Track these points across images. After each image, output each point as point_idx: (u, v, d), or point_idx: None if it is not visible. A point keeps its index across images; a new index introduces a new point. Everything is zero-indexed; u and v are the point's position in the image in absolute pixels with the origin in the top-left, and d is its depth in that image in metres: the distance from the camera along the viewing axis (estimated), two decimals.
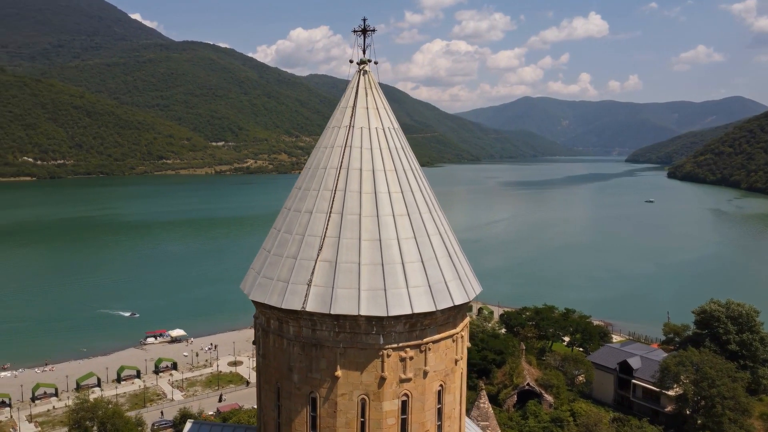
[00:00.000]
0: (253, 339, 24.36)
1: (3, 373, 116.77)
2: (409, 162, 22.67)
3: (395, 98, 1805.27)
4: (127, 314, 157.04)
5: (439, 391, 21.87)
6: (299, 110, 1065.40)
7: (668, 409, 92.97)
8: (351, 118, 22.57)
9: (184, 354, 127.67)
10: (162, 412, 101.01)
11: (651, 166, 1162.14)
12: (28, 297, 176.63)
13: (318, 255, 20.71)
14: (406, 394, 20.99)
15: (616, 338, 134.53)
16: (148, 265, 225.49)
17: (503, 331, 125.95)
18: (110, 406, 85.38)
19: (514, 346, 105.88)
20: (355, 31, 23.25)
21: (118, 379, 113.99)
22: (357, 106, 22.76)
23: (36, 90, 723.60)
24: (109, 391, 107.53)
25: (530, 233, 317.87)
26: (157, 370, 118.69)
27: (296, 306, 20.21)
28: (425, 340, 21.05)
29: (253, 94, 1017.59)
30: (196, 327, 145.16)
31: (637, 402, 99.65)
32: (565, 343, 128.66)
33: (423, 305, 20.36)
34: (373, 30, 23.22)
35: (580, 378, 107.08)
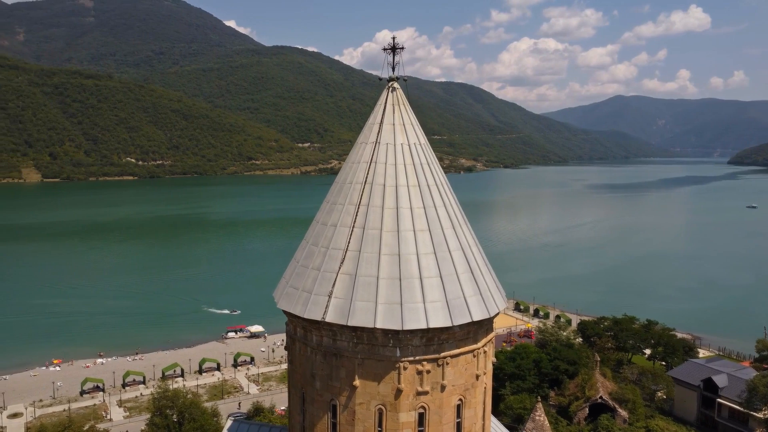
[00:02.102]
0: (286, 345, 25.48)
1: (98, 360, 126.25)
2: (434, 177, 22.98)
3: (480, 99, 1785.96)
4: (228, 311, 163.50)
5: (459, 405, 22.02)
6: None
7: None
8: (378, 134, 23.18)
9: (262, 349, 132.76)
10: (239, 404, 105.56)
11: (757, 169, 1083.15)
12: (124, 290, 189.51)
13: (339, 268, 21.46)
14: (423, 407, 21.34)
15: (703, 353, 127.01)
16: (233, 262, 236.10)
17: (579, 340, 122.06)
18: (189, 396, 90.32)
19: (588, 356, 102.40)
20: (384, 49, 23.86)
21: (200, 371, 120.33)
22: (384, 122, 23.34)
23: (139, 95, 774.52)
24: (190, 382, 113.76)
25: (616, 239, 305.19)
26: (235, 364, 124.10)
27: (317, 316, 21.07)
28: (442, 354, 21.30)
29: (339, 97, 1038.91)
30: (274, 324, 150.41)
31: (723, 423, 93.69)
32: (646, 356, 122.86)
33: (439, 320, 20.63)
34: (402, 48, 23.73)
35: (660, 394, 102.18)
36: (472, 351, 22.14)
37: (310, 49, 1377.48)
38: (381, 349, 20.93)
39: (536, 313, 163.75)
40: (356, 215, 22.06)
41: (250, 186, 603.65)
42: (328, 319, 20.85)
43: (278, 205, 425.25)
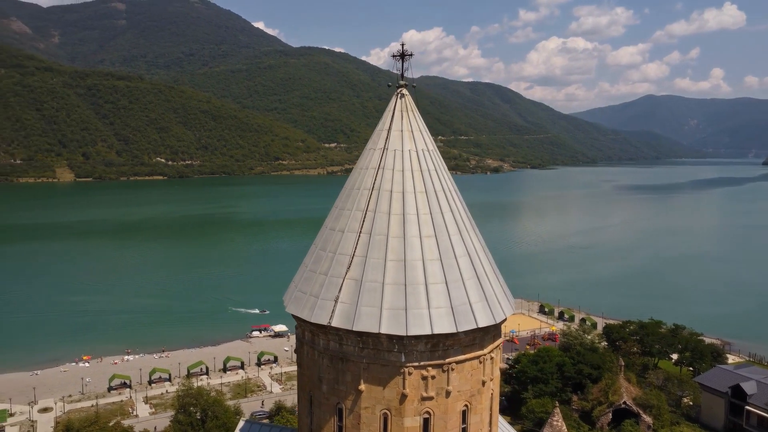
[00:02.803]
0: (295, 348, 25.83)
1: (126, 357, 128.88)
2: (441, 184, 23.07)
3: (507, 99, 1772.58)
4: (258, 311, 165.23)
5: (464, 411, 22.08)
6: None
7: None
8: (386, 140, 23.36)
9: (285, 348, 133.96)
10: (263, 403, 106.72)
11: None
12: (152, 288, 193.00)
13: (346, 273, 21.70)
14: (428, 412, 21.45)
15: (732, 359, 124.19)
16: (259, 262, 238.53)
17: (604, 344, 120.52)
18: (212, 394, 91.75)
19: (612, 361, 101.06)
20: (393, 56, 24.04)
21: (224, 369, 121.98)
22: (392, 128, 23.51)
23: (169, 96, 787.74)
24: (214, 380, 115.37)
25: (645, 241, 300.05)
26: (259, 363, 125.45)
27: (323, 321, 21.35)
28: (448, 360, 21.38)
29: (365, 97, 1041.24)
30: None
31: (751, 431, 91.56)
32: (672, 362, 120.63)
33: (444, 326, 20.73)
34: (411, 54, 23.88)
35: (686, 400, 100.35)
36: (478, 357, 22.17)
37: (336, 49, 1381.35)
38: (386, 354, 21.11)
39: (561, 316, 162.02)
40: (363, 221, 22.28)
41: (277, 186, 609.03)
42: (334, 323, 21.11)
43: (305, 205, 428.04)
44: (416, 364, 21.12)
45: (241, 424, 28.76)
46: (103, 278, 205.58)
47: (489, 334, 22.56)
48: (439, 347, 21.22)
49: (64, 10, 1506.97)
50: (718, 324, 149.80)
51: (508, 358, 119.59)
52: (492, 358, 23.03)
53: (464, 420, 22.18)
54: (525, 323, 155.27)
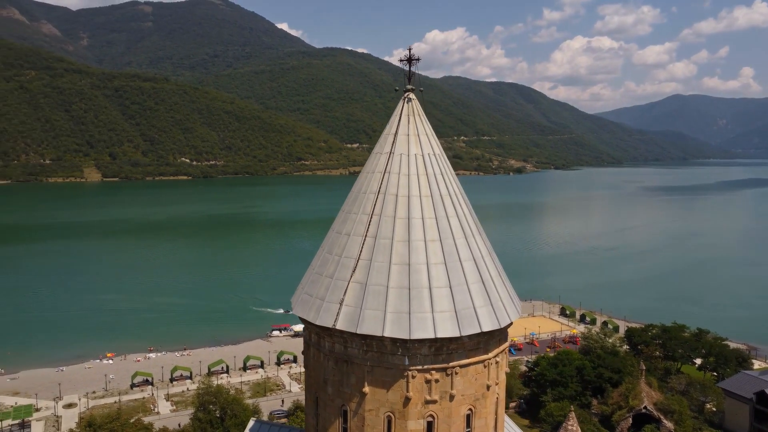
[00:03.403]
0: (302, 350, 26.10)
1: (149, 355, 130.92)
2: (447, 188, 23.12)
3: (531, 99, 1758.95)
4: (282, 311, 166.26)
5: (469, 415, 22.12)
6: (432, 112, 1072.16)
7: None
8: (392, 144, 23.50)
9: None
10: (282, 402, 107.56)
11: None
12: (175, 287, 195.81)
13: (351, 276, 21.89)
14: (431, 415, 21.53)
15: (758, 364, 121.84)
16: (281, 261, 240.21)
17: (625, 348, 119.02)
18: (231, 392, 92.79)
19: (633, 365, 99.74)
20: (401, 60, 24.18)
21: (244, 368, 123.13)
22: (398, 133, 23.64)
23: (194, 97, 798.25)
24: (234, 378, 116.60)
25: (670, 243, 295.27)
26: (278, 362, 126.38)
27: (328, 323, 21.56)
28: (451, 364, 21.43)
29: (387, 97, 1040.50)
30: None
31: None
32: (696, 367, 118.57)
33: (447, 330, 20.79)
34: (418, 59, 23.99)
35: (709, 406, 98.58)
36: (482, 361, 22.18)
37: (359, 50, 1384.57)
38: (390, 357, 21.25)
39: (582, 319, 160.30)
40: (369, 225, 22.44)
41: (300, 186, 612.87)
42: (339, 326, 21.31)
43: (327, 205, 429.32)
44: (420, 367, 21.21)
45: (251, 423, 29.13)
46: (128, 277, 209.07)
47: (494, 338, 22.56)
48: (442, 351, 21.29)
49: (92, 12, 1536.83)
50: (744, 328, 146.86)
51: (527, 361, 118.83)
52: (497, 362, 23.03)
53: (468, 424, 22.21)
54: (545, 326, 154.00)
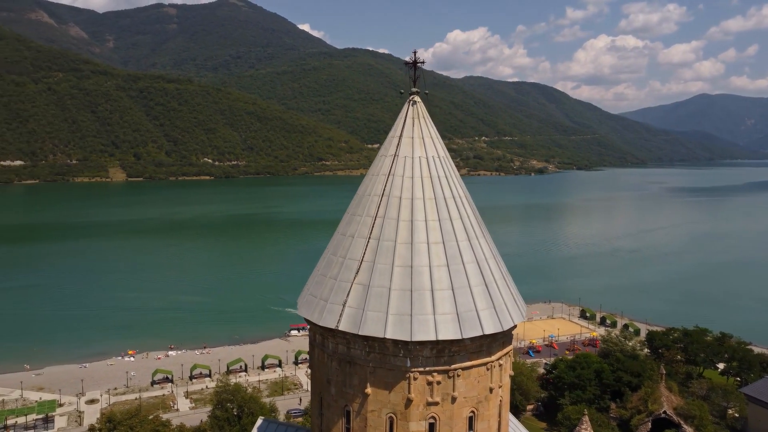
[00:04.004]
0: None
1: (169, 353, 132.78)
2: (452, 190, 23.17)
3: (553, 99, 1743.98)
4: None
5: (471, 418, 22.14)
6: (453, 112, 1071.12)
7: None
8: (396, 147, 23.62)
9: None
10: (300, 400, 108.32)
11: None
12: (195, 286, 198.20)
13: (354, 278, 22.05)
14: (433, 417, 21.60)
15: None
16: (301, 261, 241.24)
17: (646, 351, 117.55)
18: (249, 390, 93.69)
19: (653, 369, 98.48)
20: (406, 63, 24.32)
21: (262, 367, 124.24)
22: (403, 135, 23.76)
23: (216, 98, 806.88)
24: (253, 377, 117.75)
25: (694, 245, 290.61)
26: (296, 361, 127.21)
27: (331, 324, 21.76)
28: (453, 366, 21.47)
29: (408, 98, 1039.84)
30: None
31: None
32: (719, 371, 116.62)
33: (449, 332, 20.83)
34: (422, 62, 24.10)
35: (731, 412, 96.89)
36: (485, 364, 22.17)
37: (380, 50, 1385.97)
38: (392, 359, 21.36)
39: (603, 321, 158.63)
40: (372, 227, 22.59)
41: (320, 186, 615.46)
42: (342, 327, 21.49)
43: (346, 205, 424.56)
44: (421, 369, 21.29)
45: (259, 422, 29.46)
46: (150, 276, 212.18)
47: (497, 341, 22.54)
48: (444, 353, 21.34)
49: (118, 15, 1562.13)
50: None
51: (546, 363, 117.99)
52: (501, 365, 22.99)
53: (471, 426, 22.23)
54: (565, 328, 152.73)
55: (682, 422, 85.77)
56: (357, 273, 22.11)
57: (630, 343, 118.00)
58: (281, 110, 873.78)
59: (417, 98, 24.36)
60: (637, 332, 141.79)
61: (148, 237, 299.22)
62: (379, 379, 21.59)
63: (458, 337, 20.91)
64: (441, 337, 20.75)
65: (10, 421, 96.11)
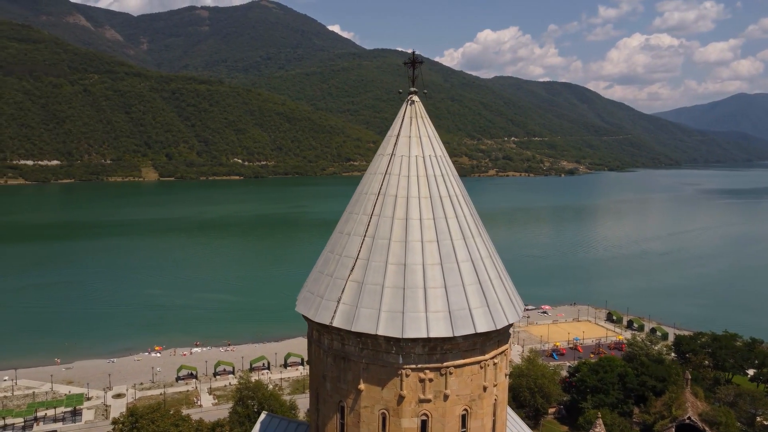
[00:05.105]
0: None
1: (194, 349, 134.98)
2: (447, 189, 23.25)
3: (585, 99, 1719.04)
4: None
5: (464, 416, 22.20)
6: (482, 113, 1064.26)
7: None
8: (394, 146, 23.83)
9: None
10: None
11: None
12: (222, 284, 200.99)
13: (349, 275, 22.32)
14: (425, 414, 21.73)
15: None
16: None
17: (672, 356, 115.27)
18: (270, 387, 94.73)
19: (678, 374, 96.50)
20: (405, 63, 24.50)
21: (285, 365, 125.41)
22: (401, 134, 23.95)
23: (246, 99, 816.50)
24: (275, 375, 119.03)
25: (727, 248, 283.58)
26: None
27: (326, 321, 22.06)
28: (446, 364, 21.57)
29: (437, 98, 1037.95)
30: None
31: None
32: (748, 377, 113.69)
33: (440, 330, 20.95)
34: (421, 62, 24.26)
35: (760, 419, 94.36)
36: (478, 362, 22.21)
37: (410, 51, 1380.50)
38: (384, 356, 21.56)
39: (630, 325, 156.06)
40: (368, 225, 22.82)
41: (348, 186, 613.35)
42: (336, 324, 21.78)
43: None
44: (414, 366, 21.44)
45: (262, 416, 29.90)
46: (179, 273, 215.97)
47: (491, 339, 22.54)
48: (436, 351, 21.45)
49: (152, 18, 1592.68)
50: None
51: (569, 366, 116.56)
52: (495, 364, 22.99)
53: (464, 424, 22.30)
54: (590, 331, 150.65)
55: (707, 428, 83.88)
56: (352, 270, 22.38)
57: (656, 348, 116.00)
58: (310, 111, 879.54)
59: (415, 97, 24.55)
60: (665, 336, 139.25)
61: (177, 236, 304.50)
62: (372, 375, 21.82)
63: (450, 334, 21.02)
64: (432, 335, 20.89)
65: (39, 413, 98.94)
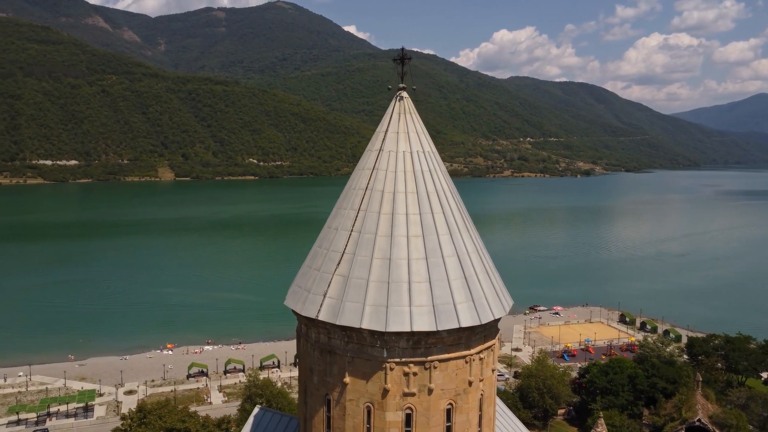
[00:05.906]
0: None
1: (206, 347, 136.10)
2: (435, 185, 23.35)
3: (602, 99, 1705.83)
4: None
5: (449, 410, 22.27)
6: (497, 113, 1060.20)
7: None
8: (382, 142, 23.99)
9: None
10: None
11: None
12: (235, 283, 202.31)
13: (335, 269, 22.52)
14: (410, 408, 21.83)
15: None
16: None
17: (684, 358, 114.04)
18: (278, 385, 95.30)
19: (689, 376, 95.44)
20: (394, 60, 24.66)
21: (294, 363, 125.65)
22: (389, 130, 24.11)
23: (262, 99, 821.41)
24: (285, 373, 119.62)
25: (745, 250, 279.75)
26: None
27: (312, 314, 22.28)
28: (430, 358, 21.66)
29: (452, 98, 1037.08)
30: None
31: None
32: (762, 380, 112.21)
33: (424, 324, 21.05)
34: (410, 58, 24.42)
35: None
36: (463, 357, 22.26)
37: (425, 51, 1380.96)
38: (369, 349, 21.71)
39: (643, 327, 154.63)
40: (355, 220, 23.01)
41: None
42: (321, 317, 21.98)
43: None
44: (398, 360, 21.56)
45: (255, 410, 30.22)
46: (192, 272, 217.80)
47: (477, 334, 22.58)
48: (421, 345, 21.55)
49: (170, 19, 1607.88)
50: None
51: (580, 367, 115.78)
52: (481, 359, 23.02)
53: (449, 418, 22.37)
54: (602, 332, 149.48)
55: (717, 431, 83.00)
56: (338, 264, 22.58)
57: (668, 349, 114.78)
58: (325, 111, 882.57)
59: (404, 93, 24.67)
60: (678, 338, 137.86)
61: (192, 235, 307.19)
62: (357, 368, 21.98)
63: (433, 328, 21.11)
64: (416, 329, 21.00)
65: (52, 409, 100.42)
